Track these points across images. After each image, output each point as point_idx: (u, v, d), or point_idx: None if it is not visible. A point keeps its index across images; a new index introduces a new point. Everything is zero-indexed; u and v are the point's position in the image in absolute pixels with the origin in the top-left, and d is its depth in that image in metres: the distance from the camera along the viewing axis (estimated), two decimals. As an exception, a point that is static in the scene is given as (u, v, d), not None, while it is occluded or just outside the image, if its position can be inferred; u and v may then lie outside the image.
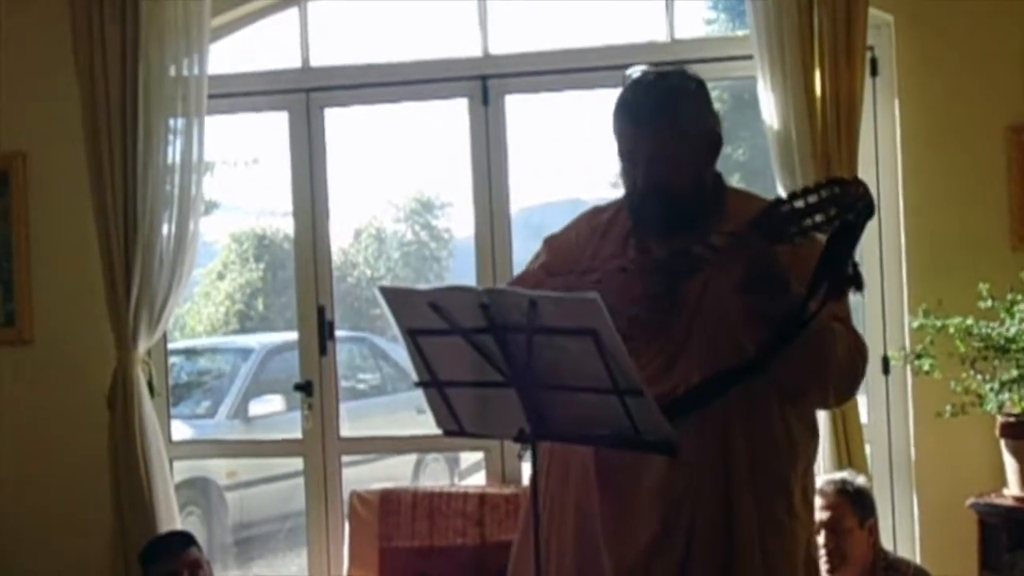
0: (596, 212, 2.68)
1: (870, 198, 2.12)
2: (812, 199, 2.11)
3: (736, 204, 2.47)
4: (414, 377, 2.35)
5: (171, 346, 5.17)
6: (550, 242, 2.71)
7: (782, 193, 3.31)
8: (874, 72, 4.34)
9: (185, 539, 4.17)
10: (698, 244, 2.26)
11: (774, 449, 2.43)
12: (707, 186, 2.49)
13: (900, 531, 4.32)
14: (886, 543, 3.95)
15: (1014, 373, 3.83)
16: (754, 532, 2.39)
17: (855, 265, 2.18)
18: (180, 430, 5.54)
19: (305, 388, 4.69)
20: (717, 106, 2.59)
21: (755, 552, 2.39)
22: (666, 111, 2.43)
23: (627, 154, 2.47)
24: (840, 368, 2.37)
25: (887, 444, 4.37)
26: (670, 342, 2.39)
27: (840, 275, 2.17)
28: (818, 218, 2.11)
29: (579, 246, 2.61)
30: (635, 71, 2.52)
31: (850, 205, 2.10)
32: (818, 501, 3.60)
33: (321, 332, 4.69)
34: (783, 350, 2.25)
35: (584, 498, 2.47)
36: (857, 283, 2.20)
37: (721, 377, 2.32)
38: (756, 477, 2.40)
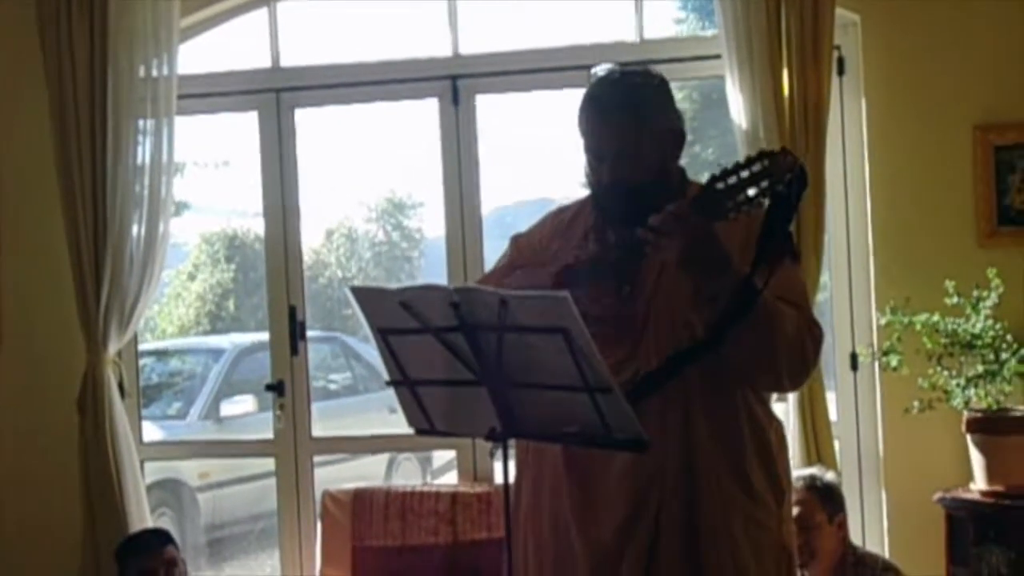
0: (560, 211, 2.72)
1: (800, 167, 2.15)
2: (744, 174, 2.16)
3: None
4: (386, 376, 2.36)
5: (142, 347, 5.15)
6: (516, 240, 2.76)
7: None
8: (841, 71, 4.37)
9: (163, 537, 4.17)
10: (639, 227, 2.29)
11: (734, 431, 2.46)
12: (672, 180, 2.52)
13: (869, 526, 4.36)
14: (855, 538, 3.98)
15: (980, 369, 3.88)
16: (717, 512, 2.42)
17: (789, 236, 2.21)
18: (151, 431, 5.51)
19: (277, 388, 4.69)
20: (686, 105, 2.63)
21: (720, 533, 2.42)
22: (632, 107, 2.46)
23: (594, 150, 2.50)
24: (789, 349, 2.38)
25: (855, 440, 4.41)
26: (631, 328, 2.42)
27: (777, 247, 2.21)
28: (751, 191, 2.15)
29: (543, 244, 2.65)
30: (600, 69, 2.56)
31: (780, 176, 2.13)
32: (787, 497, 3.63)
33: (292, 332, 4.68)
34: (731, 328, 2.27)
35: (556, 486, 2.49)
36: (792, 253, 2.24)
37: (674, 358, 2.35)
38: (717, 460, 2.44)
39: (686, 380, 2.39)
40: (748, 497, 2.47)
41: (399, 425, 2.51)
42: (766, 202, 2.18)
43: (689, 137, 2.60)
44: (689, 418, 2.42)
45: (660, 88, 2.53)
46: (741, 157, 4.13)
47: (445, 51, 4.67)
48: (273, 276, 4.73)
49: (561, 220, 2.68)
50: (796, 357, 2.42)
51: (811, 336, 2.45)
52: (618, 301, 2.43)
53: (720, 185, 2.18)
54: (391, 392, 2.39)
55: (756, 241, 2.24)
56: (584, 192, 2.65)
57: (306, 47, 5.03)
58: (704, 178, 2.29)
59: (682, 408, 2.41)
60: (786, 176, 2.14)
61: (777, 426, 2.59)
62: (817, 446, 4.11)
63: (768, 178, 2.15)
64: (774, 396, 2.72)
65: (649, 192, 2.45)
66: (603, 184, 2.50)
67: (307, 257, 5.01)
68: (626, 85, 2.50)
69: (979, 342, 3.87)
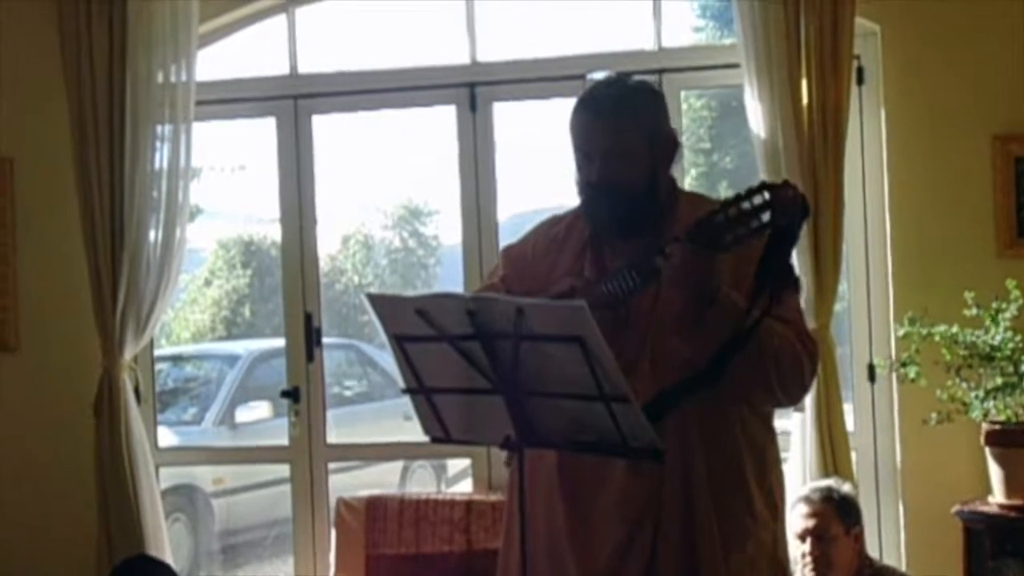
0: (553, 222, 2.69)
1: (802, 201, 2.14)
2: (745, 206, 2.13)
3: (687, 207, 2.49)
4: (401, 384, 2.35)
5: (157, 352, 5.16)
6: (508, 252, 2.73)
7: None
8: (860, 81, 4.35)
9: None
10: (657, 256, 2.27)
11: (732, 450, 2.46)
12: (661, 188, 2.51)
13: (886, 538, 4.33)
14: (872, 550, 3.96)
15: (999, 381, 3.85)
16: (715, 535, 2.41)
17: (790, 267, 2.20)
18: (166, 437, 5.52)
19: (292, 395, 4.69)
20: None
21: (718, 557, 2.40)
22: (625, 106, 2.46)
23: (584, 148, 2.49)
24: (781, 369, 2.37)
25: (873, 452, 4.38)
26: (622, 358, 2.40)
27: (778, 279, 2.19)
28: (753, 224, 2.13)
29: (536, 257, 2.63)
30: (596, 74, 2.55)
31: (782, 210, 2.12)
32: (804, 508, 3.62)
33: (308, 339, 4.68)
34: (731, 359, 2.25)
35: (550, 510, 2.49)
36: (795, 285, 2.23)
37: (675, 390, 2.32)
38: (715, 480, 2.43)
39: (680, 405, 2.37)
40: (747, 514, 2.46)
41: (414, 433, 2.50)
42: (766, 234, 2.17)
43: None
44: (686, 438, 2.40)
45: (655, 95, 2.55)
46: (759, 165, 4.17)
47: (463, 58, 4.67)
48: (289, 282, 4.74)
49: (555, 233, 2.65)
50: (791, 375, 2.41)
51: (806, 352, 2.43)
52: (614, 328, 2.36)
53: (719, 217, 2.16)
54: (406, 399, 2.37)
55: (756, 274, 2.22)
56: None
57: (324, 54, 5.04)
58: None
59: (678, 429, 2.37)
60: (788, 209, 2.13)
61: (773, 439, 2.58)
62: (834, 457, 4.09)
63: (769, 210, 2.13)
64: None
65: (638, 197, 2.45)
66: (591, 185, 2.48)
67: (323, 263, 5.01)
68: (622, 86, 2.51)
69: (998, 354, 3.84)
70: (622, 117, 2.45)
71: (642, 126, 2.47)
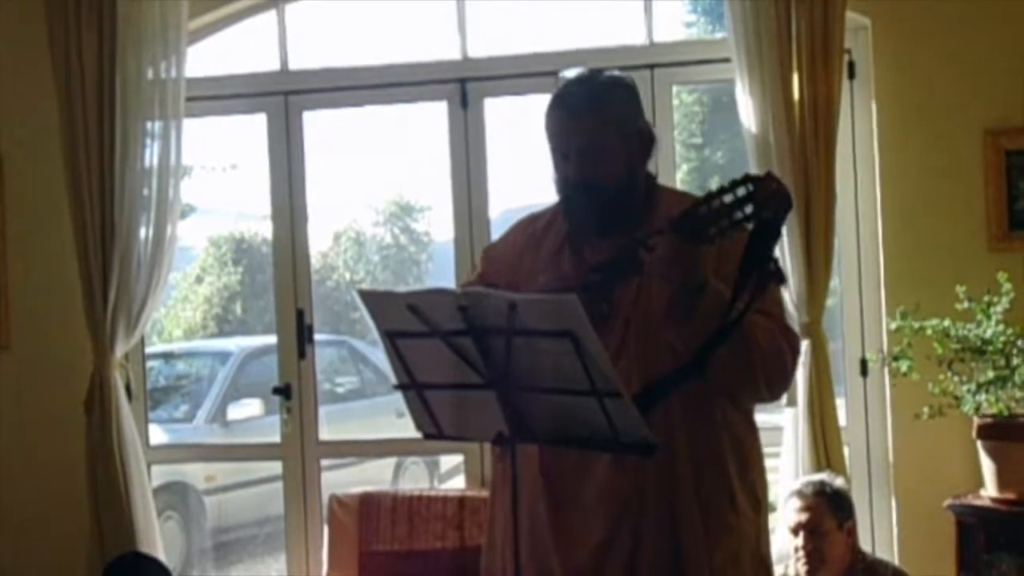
0: (532, 219, 2.70)
1: (785, 193, 2.14)
2: (728, 198, 2.13)
3: (667, 203, 2.49)
4: (393, 380, 2.35)
5: (149, 350, 5.15)
6: (488, 252, 2.75)
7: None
8: (851, 75, 4.35)
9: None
10: (641, 248, 2.27)
11: (715, 446, 2.46)
12: (639, 184, 2.52)
13: (878, 532, 4.34)
14: (864, 544, 3.96)
15: (991, 374, 3.85)
16: (699, 531, 2.42)
17: (775, 260, 2.20)
18: (158, 434, 5.51)
19: (284, 392, 4.68)
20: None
21: (701, 552, 2.41)
22: (600, 102, 2.46)
23: (560, 147, 2.50)
24: (765, 362, 2.38)
25: (865, 446, 4.39)
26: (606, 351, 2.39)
27: (762, 271, 2.19)
28: (736, 216, 2.13)
29: (516, 255, 2.64)
30: (568, 72, 2.55)
31: (765, 202, 2.12)
32: (797, 503, 3.63)
33: (300, 336, 4.67)
34: (715, 350, 2.25)
35: (533, 506, 2.48)
36: (779, 278, 2.23)
37: (661, 382, 2.31)
38: (699, 476, 2.43)
39: (665, 400, 2.36)
40: (730, 508, 2.47)
41: (406, 429, 2.50)
42: (749, 226, 2.17)
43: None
44: (670, 434, 2.39)
45: (628, 90, 2.54)
46: (751, 160, 4.17)
47: (454, 54, 4.66)
48: (280, 279, 4.73)
49: (534, 230, 2.65)
50: (774, 369, 2.41)
51: (788, 345, 2.44)
52: (597, 321, 2.37)
53: (703, 209, 2.16)
54: (398, 396, 2.37)
55: (739, 266, 2.21)
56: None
57: (314, 50, 5.02)
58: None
59: (662, 425, 2.35)
60: (771, 201, 2.12)
61: (755, 435, 2.58)
62: (827, 452, 4.09)
63: (752, 203, 2.13)
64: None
65: (616, 194, 2.46)
66: (569, 183, 2.49)
67: (315, 260, 5.01)
68: (593, 84, 2.51)
69: (990, 347, 3.84)
70: (596, 114, 2.46)
71: (616, 122, 2.47)
